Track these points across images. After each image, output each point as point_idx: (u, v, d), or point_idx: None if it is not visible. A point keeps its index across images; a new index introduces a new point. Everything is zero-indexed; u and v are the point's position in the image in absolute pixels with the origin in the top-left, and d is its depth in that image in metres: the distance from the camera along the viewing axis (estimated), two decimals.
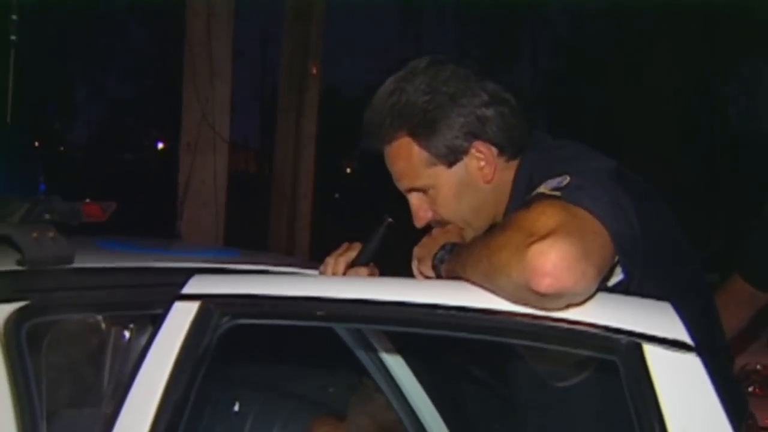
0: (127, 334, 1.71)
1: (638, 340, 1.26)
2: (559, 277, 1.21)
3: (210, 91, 5.67)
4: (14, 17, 3.60)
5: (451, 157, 1.69)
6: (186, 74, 5.72)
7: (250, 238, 7.03)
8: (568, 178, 1.42)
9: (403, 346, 2.09)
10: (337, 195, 23.48)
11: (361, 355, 2.15)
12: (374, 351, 2.12)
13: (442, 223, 1.76)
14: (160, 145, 32.49)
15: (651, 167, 12.37)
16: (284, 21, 7.04)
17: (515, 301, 1.30)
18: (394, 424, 2.16)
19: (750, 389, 5.01)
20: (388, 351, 2.11)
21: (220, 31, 5.68)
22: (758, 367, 5.05)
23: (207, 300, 1.53)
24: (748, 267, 2.73)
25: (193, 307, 1.52)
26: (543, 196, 1.40)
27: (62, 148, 32.15)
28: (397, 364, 2.11)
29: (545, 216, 1.29)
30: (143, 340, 1.59)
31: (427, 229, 1.80)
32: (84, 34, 31.85)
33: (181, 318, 1.51)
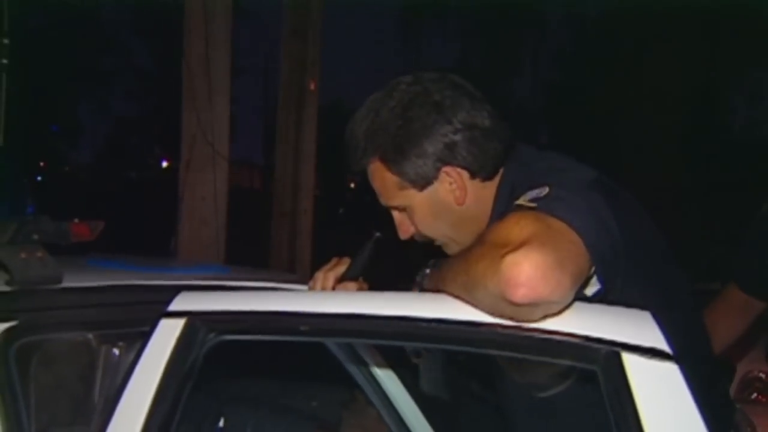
0: (116, 352, 1.72)
1: (617, 350, 1.26)
2: (534, 287, 1.21)
3: (209, 109, 5.69)
4: (5, 41, 3.63)
5: (422, 182, 1.71)
6: (185, 92, 5.75)
7: (254, 255, 7.04)
8: (547, 189, 1.43)
9: (393, 360, 2.10)
10: (341, 210, 23.53)
11: (353, 370, 2.16)
12: (365, 365, 2.13)
13: (426, 239, 1.78)
14: (165, 164, 32.61)
15: (653, 176, 12.40)
16: (281, 38, 7.07)
17: (493, 313, 1.31)
18: None
19: (753, 397, 5.00)
20: (378, 364, 2.12)
21: (217, 49, 5.71)
22: (761, 374, 5.03)
23: (193, 317, 1.54)
24: (742, 275, 2.73)
25: (179, 323, 1.53)
26: (519, 208, 1.41)
27: (66, 168, 32.28)
28: (388, 378, 2.13)
29: (519, 227, 1.30)
30: (132, 357, 1.60)
31: (413, 241, 1.81)
32: (87, 55, 32.01)
33: (167, 335, 1.52)
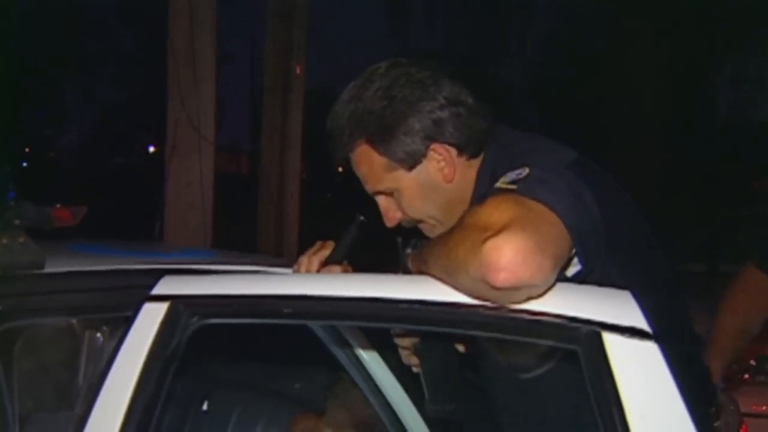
0: (99, 336, 1.72)
1: (597, 329, 1.27)
2: (515, 271, 1.22)
3: (194, 95, 5.67)
4: None
5: (410, 161, 1.71)
6: (170, 78, 5.73)
7: (241, 240, 7.04)
8: (527, 170, 1.44)
9: (377, 341, 2.11)
10: (329, 194, 23.48)
11: (337, 352, 2.17)
12: (349, 347, 2.14)
13: (413, 222, 1.78)
14: (152, 149, 32.46)
15: (640, 157, 12.44)
16: (267, 22, 7.04)
17: (475, 296, 1.32)
18: (371, 418, 2.19)
19: (738, 377, 5.03)
20: (363, 346, 2.13)
21: (202, 35, 5.69)
22: (745, 354, 5.06)
23: (176, 301, 1.54)
24: (760, 255, 2.74)
25: (162, 307, 1.53)
26: (499, 191, 1.41)
27: (52, 154, 32.13)
28: (372, 359, 2.14)
29: (499, 211, 1.30)
30: (116, 342, 1.60)
31: (399, 228, 1.81)
32: (72, 40, 31.79)
33: (150, 319, 1.52)
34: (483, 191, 1.59)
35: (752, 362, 5.00)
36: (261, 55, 7.37)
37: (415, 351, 1.78)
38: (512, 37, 29.28)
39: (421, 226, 1.79)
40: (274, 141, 6.89)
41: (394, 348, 1.88)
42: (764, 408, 4.81)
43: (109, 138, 35.37)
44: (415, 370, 1.84)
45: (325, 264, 1.81)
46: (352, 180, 1.84)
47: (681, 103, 15.10)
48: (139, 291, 1.59)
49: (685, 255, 6.82)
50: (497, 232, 1.25)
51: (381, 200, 1.80)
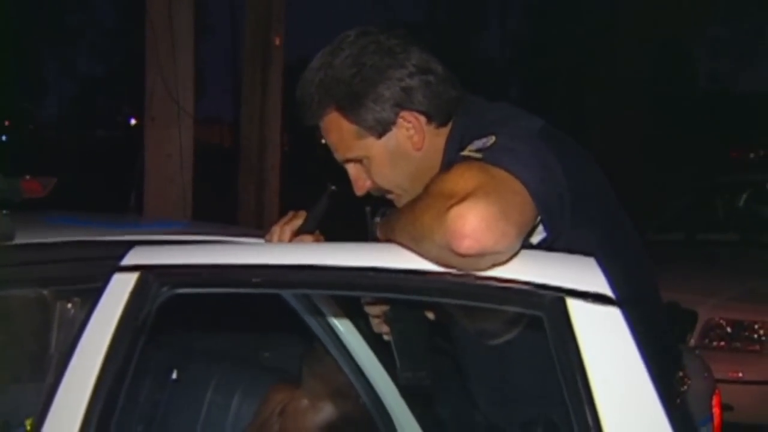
0: (71, 307, 1.72)
1: (562, 295, 1.29)
2: (479, 238, 1.23)
3: (172, 66, 5.63)
4: None
5: (380, 128, 1.71)
6: (148, 49, 5.68)
7: (222, 212, 7.01)
8: (493, 139, 1.45)
9: (350, 309, 2.13)
10: (310, 159, 23.33)
11: (310, 320, 2.18)
12: (322, 315, 2.15)
13: (382, 192, 1.79)
14: (133, 121, 32.25)
15: (619, 127, 12.48)
16: None
17: (440, 264, 1.33)
18: (346, 387, 2.20)
19: (714, 344, 5.11)
20: (335, 314, 2.15)
21: (180, 6, 5.63)
22: (721, 321, 5.14)
23: (146, 271, 1.54)
24: None
25: (132, 278, 1.53)
26: (464, 159, 1.42)
27: (32, 127, 31.86)
28: (344, 327, 2.15)
29: (464, 179, 1.31)
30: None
31: (368, 197, 1.82)
32: (51, 12, 31.44)
33: (120, 289, 1.52)
34: (451, 159, 1.60)
35: (722, 322, 5.09)
36: (242, 25, 7.30)
37: (386, 319, 1.80)
38: (494, 9, 29.21)
39: (389, 196, 1.80)
40: (254, 112, 6.84)
41: (366, 316, 1.89)
42: (739, 374, 4.90)
43: (90, 111, 35.13)
44: (386, 338, 1.86)
45: (297, 233, 1.81)
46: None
47: (661, 74, 15.13)
48: (110, 262, 1.58)
49: (664, 224, 6.87)
50: (461, 199, 1.26)
51: (351, 168, 1.80)
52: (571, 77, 16.53)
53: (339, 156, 1.79)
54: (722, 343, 5.12)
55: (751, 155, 21.68)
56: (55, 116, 37.87)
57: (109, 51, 34.05)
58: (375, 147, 1.73)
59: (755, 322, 5.06)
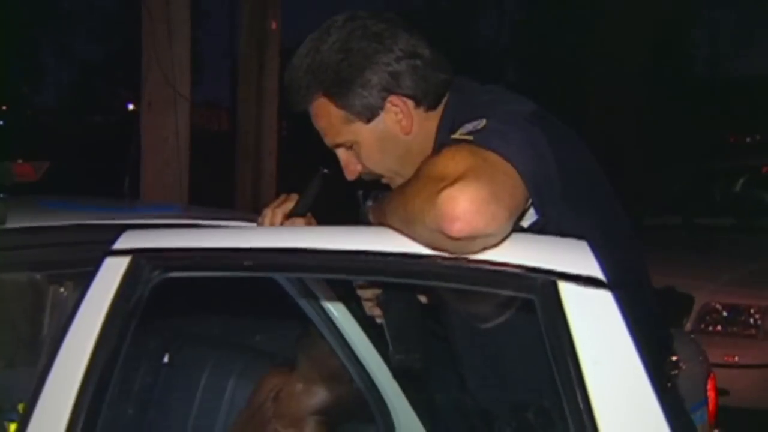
0: (63, 291, 1.72)
1: (553, 279, 1.28)
2: (470, 221, 1.23)
3: (169, 51, 5.61)
4: None
5: (368, 113, 1.71)
6: (144, 34, 5.66)
7: (219, 197, 7.00)
8: (484, 122, 1.44)
9: (343, 293, 2.13)
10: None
11: (303, 304, 2.18)
12: (315, 299, 2.15)
13: (374, 176, 1.79)
14: (131, 107, 32.16)
15: (617, 112, 12.46)
16: None
17: (432, 247, 1.33)
18: (340, 370, 2.21)
19: (710, 328, 5.12)
20: (329, 298, 2.15)
21: None
22: (717, 306, 5.15)
23: (138, 254, 1.54)
24: None
25: (124, 261, 1.53)
26: (455, 141, 1.42)
27: (29, 112, 31.79)
28: (338, 311, 2.16)
29: (454, 161, 1.31)
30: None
31: (360, 181, 1.82)
32: None
33: (111, 273, 1.52)
34: (442, 142, 1.59)
35: (718, 306, 5.10)
36: (240, 10, 7.27)
37: (378, 302, 1.80)
38: None
39: (383, 180, 1.79)
40: (251, 97, 6.82)
41: (359, 300, 1.89)
42: (735, 358, 4.91)
43: (87, 96, 35.04)
44: (378, 321, 1.86)
45: (289, 217, 1.81)
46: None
47: (658, 58, 15.09)
48: (103, 246, 1.58)
49: (661, 208, 6.87)
50: (452, 182, 1.26)
51: (341, 153, 1.80)
52: (567, 62, 16.48)
53: (328, 141, 1.79)
54: (718, 328, 5.13)
55: (748, 140, 21.70)
56: (52, 101, 37.80)
57: (107, 36, 33.92)
58: (364, 132, 1.73)
59: (751, 307, 5.08)
